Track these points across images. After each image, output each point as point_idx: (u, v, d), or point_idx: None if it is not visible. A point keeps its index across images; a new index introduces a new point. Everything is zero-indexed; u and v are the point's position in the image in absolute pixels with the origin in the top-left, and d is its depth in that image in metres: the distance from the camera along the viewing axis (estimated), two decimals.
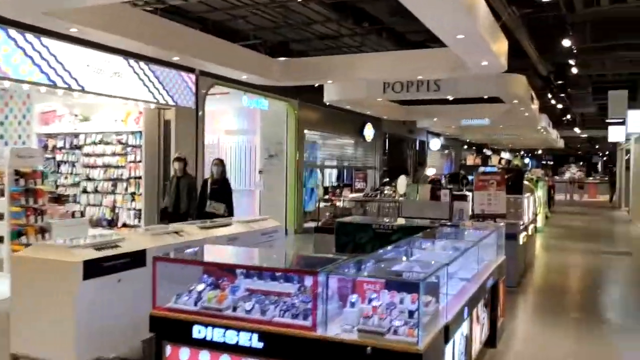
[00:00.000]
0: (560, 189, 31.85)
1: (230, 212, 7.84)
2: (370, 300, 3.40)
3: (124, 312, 4.30)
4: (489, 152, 47.57)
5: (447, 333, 3.42)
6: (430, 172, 11.65)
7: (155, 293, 3.60)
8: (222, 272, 3.87)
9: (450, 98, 14.79)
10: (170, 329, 3.50)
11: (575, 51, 10.59)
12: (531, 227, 10.50)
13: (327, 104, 13.93)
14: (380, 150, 21.24)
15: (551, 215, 20.10)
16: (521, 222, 8.81)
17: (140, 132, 10.37)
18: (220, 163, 8.42)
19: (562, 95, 14.38)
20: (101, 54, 8.69)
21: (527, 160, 57.66)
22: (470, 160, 14.96)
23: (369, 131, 19.23)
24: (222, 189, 8.05)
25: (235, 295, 3.63)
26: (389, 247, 4.42)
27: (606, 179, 27.31)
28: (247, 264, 4.06)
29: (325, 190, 17.71)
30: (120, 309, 4.31)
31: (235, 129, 15.32)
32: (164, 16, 8.97)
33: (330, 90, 10.83)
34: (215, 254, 4.49)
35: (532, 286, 8.63)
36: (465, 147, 35.03)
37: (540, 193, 15.80)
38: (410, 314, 3.20)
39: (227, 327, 3.35)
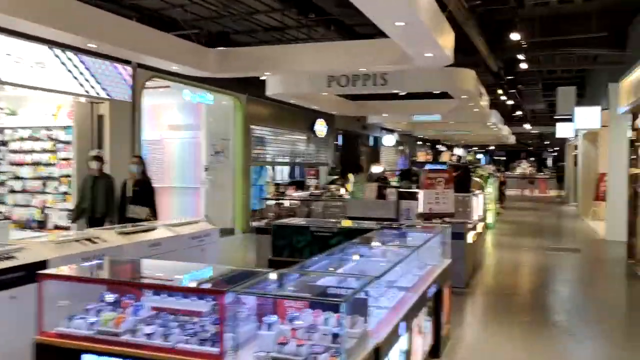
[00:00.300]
0: (512, 184, 32.31)
1: (154, 216, 7.14)
2: (291, 321, 2.98)
3: (17, 336, 3.75)
4: (443, 148, 48.06)
5: (377, 355, 3.03)
6: (376, 169, 11.34)
7: (40, 315, 3.08)
8: (126, 288, 3.37)
9: (402, 93, 14.56)
10: (57, 358, 2.99)
11: (524, 46, 10.45)
12: (481, 224, 10.32)
13: (277, 98, 13.44)
14: (333, 146, 20.89)
15: (502, 211, 20.20)
16: (470, 221, 8.57)
17: (71, 127, 9.68)
18: (139, 161, 7.63)
19: (513, 91, 14.33)
20: (22, 42, 7.99)
21: (480, 156, 58.57)
22: (422, 156, 14.76)
23: (320, 127, 18.85)
24: (144, 191, 7.29)
25: (138, 316, 3.15)
26: (320, 256, 4.00)
27: (560, 174, 27.76)
28: (144, 279, 3.56)
29: (277, 187, 17.27)
30: (13, 332, 3.75)
31: (180, 125, 14.68)
32: (97, 5, 8.33)
33: (273, 83, 10.33)
34: (119, 266, 3.98)
35: (482, 287, 8.40)
36: (420, 143, 35.18)
37: (491, 189, 15.75)
38: (335, 337, 2.79)
39: (122, 356, 2.87)
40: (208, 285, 3.12)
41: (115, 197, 7.31)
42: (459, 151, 51.84)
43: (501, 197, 23.99)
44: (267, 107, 15.13)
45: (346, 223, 7.40)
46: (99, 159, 7.54)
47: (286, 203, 9.32)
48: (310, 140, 19.54)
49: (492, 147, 54.48)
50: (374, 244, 4.81)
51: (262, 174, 17.35)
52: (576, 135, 20.59)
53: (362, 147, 26.64)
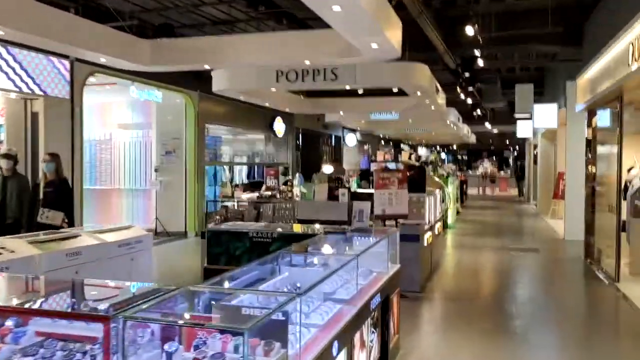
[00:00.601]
0: (473, 183, 32.47)
1: (70, 222, 6.28)
2: (196, 348, 2.54)
3: None
4: (406, 148, 48.17)
5: None
6: (327, 169, 10.92)
7: None
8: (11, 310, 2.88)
9: (360, 91, 14.24)
10: None
11: (481, 42, 10.23)
12: (438, 225, 10.05)
13: (227, 95, 12.94)
14: (293, 146, 20.46)
15: (463, 210, 20.12)
16: (425, 222, 8.25)
17: (1, 125, 9.01)
18: (53, 159, 6.58)
19: (471, 88, 14.17)
20: None
21: (443, 156, 58.99)
22: (381, 156, 14.52)
23: (279, 125, 18.39)
24: (58, 193, 6.32)
25: (18, 344, 2.66)
26: (250, 265, 3.57)
27: (520, 173, 27.89)
28: (25, 300, 3.06)
29: (236, 188, 16.76)
30: None
31: (129, 123, 14.05)
32: None
33: (219, 78, 9.80)
34: (9, 282, 3.46)
35: (439, 291, 8.09)
36: (382, 142, 35.03)
37: (451, 189, 15.59)
38: None
39: None
40: (93, 308, 2.65)
41: (29, 199, 6.49)
42: (422, 151, 52.14)
43: (462, 196, 24.00)
44: (222, 105, 14.59)
45: (296, 227, 7.01)
46: (9, 157, 6.70)
47: (233, 205, 8.85)
48: (270, 140, 19.07)
49: (454, 147, 54.92)
50: (312, 251, 4.40)
51: (218, 175, 16.86)
52: (535, 134, 20.66)
53: (324, 146, 26.34)
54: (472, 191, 31.15)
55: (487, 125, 25.04)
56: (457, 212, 18.59)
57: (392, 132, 22.03)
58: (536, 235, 14.34)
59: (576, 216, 12.97)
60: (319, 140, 25.35)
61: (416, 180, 7.95)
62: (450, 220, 15.16)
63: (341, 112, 14.38)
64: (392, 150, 22.10)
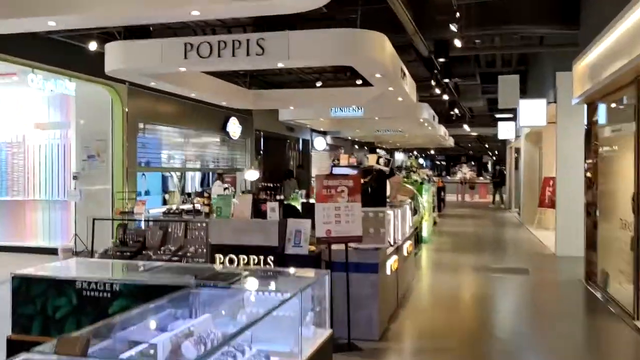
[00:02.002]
0: (452, 189, 30.77)
1: None
2: None
3: None
4: (382, 152, 46.36)
5: None
6: (250, 175, 8.94)
7: None
8: None
9: (318, 83, 12.27)
10: None
11: (458, 22, 8.35)
12: (408, 244, 8.10)
13: (140, 83, 10.85)
14: (252, 150, 18.41)
15: (440, 220, 18.26)
16: (388, 244, 6.30)
17: None
18: None
19: (447, 81, 12.35)
20: None
21: (421, 161, 57.38)
22: (344, 159, 12.62)
23: (234, 127, 16.35)
24: None
25: None
26: None
27: (498, 179, 26.16)
28: None
29: (189, 196, 14.71)
30: None
31: (46, 123, 11.90)
32: None
33: (112, 57, 7.51)
34: None
35: (405, 336, 6.13)
36: (357, 147, 33.13)
37: (427, 197, 13.70)
38: None
39: None
40: None
41: None
42: (399, 156, 50.43)
43: (440, 204, 22.18)
44: (161, 102, 12.51)
45: (156, 276, 4.85)
46: None
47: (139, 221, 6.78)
48: (226, 143, 17.03)
49: (432, 152, 53.36)
50: (162, 324, 2.38)
51: (165, 183, 14.77)
52: (518, 137, 18.94)
53: (290, 151, 24.34)
54: (450, 198, 29.41)
55: (466, 127, 23.30)
56: (434, 223, 16.74)
57: (362, 133, 20.12)
58: (523, 250, 12.49)
59: (569, 228, 11.17)
60: (284, 144, 23.37)
61: (375, 189, 5.98)
62: (425, 233, 13.27)
63: (291, 107, 12.28)
64: (367, 154, 20.15)
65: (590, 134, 8.83)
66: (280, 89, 11.86)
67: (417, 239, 12.80)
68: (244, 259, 5.39)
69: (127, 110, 11.38)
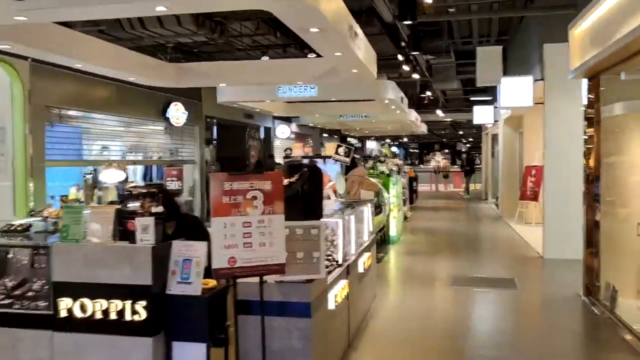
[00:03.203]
0: (425, 179, 29.23)
1: None
2: None
3: None
4: (354, 141, 44.56)
5: None
6: (110, 177, 6.95)
7: None
8: None
9: (265, 58, 10.29)
10: None
11: None
12: (366, 257, 6.32)
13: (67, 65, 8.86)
14: (202, 139, 16.41)
15: (412, 214, 16.58)
16: (326, 274, 4.48)
17: None
18: None
19: (416, 54, 10.60)
20: None
21: (395, 149, 55.80)
22: (297, 148, 10.75)
23: (177, 113, 14.31)
24: None
25: None
26: None
27: (468, 168, 24.60)
28: None
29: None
30: None
31: None
32: None
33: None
34: None
35: None
36: (325, 135, 31.24)
37: (395, 191, 11.94)
38: None
39: None
40: None
41: None
42: (371, 144, 48.74)
43: (412, 196, 20.53)
44: (77, 82, 10.42)
45: None
46: None
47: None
48: (170, 132, 15.00)
49: (405, 140, 51.87)
50: None
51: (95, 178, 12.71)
52: (496, 121, 17.32)
53: (250, 140, 22.38)
54: (423, 188, 27.85)
55: (439, 112, 21.62)
56: (405, 218, 15.05)
57: (323, 119, 18.27)
58: (505, 251, 10.82)
59: (559, 227, 9.57)
60: (243, 133, 21.38)
61: (305, 195, 4.11)
62: (394, 232, 11.54)
63: (222, 84, 10.19)
64: (310, 142, 18.24)
65: (592, 114, 7.12)
66: (207, 62, 9.84)
67: (383, 239, 11.08)
68: (101, 306, 3.51)
69: (29, 92, 9.30)
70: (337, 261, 5.12)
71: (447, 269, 9.24)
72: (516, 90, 9.89)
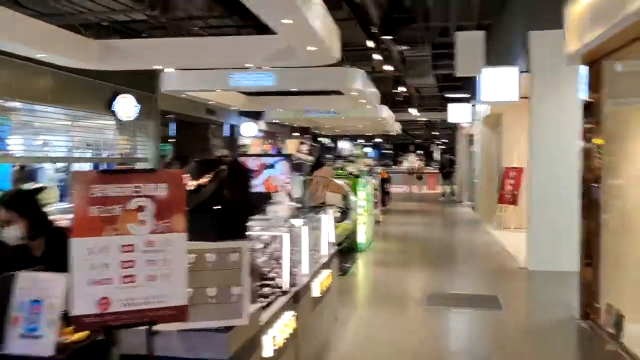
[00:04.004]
0: (398, 180, 28.23)
1: None
2: None
3: None
4: (326, 141, 43.45)
5: None
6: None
7: None
8: None
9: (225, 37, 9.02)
10: None
11: None
12: (324, 276, 5.16)
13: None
14: (158, 136, 15.07)
15: (384, 218, 15.48)
16: (265, 307, 3.31)
17: None
18: None
19: (387, 38, 9.51)
20: None
21: (368, 150, 54.81)
22: (256, 145, 9.57)
23: (125, 106, 12.95)
24: None
25: None
26: None
27: (447, 170, 23.61)
28: None
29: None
30: None
31: None
32: None
33: None
34: None
35: None
36: (296, 134, 29.99)
37: (365, 193, 10.79)
38: None
39: None
40: None
41: None
42: (344, 144, 47.65)
43: (384, 198, 19.47)
44: (7, 68, 9.04)
45: None
46: None
47: None
48: (121, 127, 13.64)
49: (379, 140, 50.98)
50: None
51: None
52: (474, 120, 16.35)
53: (214, 138, 21.03)
54: (397, 189, 26.83)
55: (413, 111, 20.61)
56: (376, 222, 13.94)
57: (288, 115, 17.01)
58: (486, 262, 9.76)
59: (546, 235, 8.56)
60: (206, 130, 20.02)
61: (223, 203, 2.89)
62: (362, 239, 10.41)
63: (158, 66, 8.75)
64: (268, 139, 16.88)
65: (592, 107, 6.07)
66: (139, 39, 8.47)
67: (352, 247, 9.95)
68: None
69: None
70: (280, 287, 3.96)
71: (421, 283, 8.14)
72: (499, 83, 8.84)
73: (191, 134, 18.65)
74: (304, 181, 9.29)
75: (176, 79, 9.26)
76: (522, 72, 9.03)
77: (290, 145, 8.40)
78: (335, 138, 42.48)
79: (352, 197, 9.05)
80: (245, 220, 2.71)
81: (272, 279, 4.04)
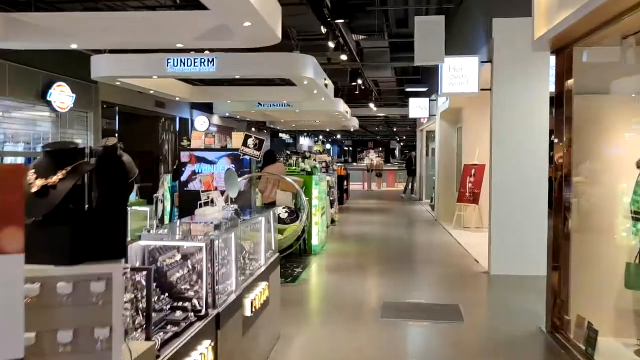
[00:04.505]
0: (357, 177, 27.76)
1: None
2: None
3: None
4: (286, 137, 42.62)
5: None
6: None
7: None
8: None
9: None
10: None
11: None
12: (257, 292, 4.42)
13: None
14: (99, 129, 14.05)
15: (341, 217, 14.86)
16: (175, 336, 2.55)
17: None
18: None
19: (340, 22, 8.81)
20: None
21: (328, 146, 54.27)
22: (197, 138, 8.81)
23: (61, 96, 11.95)
24: None
25: None
26: None
27: (410, 167, 23.11)
28: None
29: None
30: None
31: None
32: None
33: None
34: None
35: None
36: (253, 129, 29.07)
37: (318, 191, 10.09)
38: None
39: None
40: None
41: None
42: (305, 141, 46.94)
43: (342, 195, 18.85)
44: None
45: None
46: None
47: None
48: (56, 118, 12.57)
49: (339, 136, 50.53)
50: None
51: None
52: (432, 116, 15.85)
53: (165, 134, 19.98)
54: (356, 186, 26.34)
55: (372, 106, 20.02)
56: (332, 221, 13.29)
57: (239, 107, 16.05)
58: (445, 265, 9.19)
59: (509, 237, 8.05)
60: (155, 124, 18.97)
61: (84, 210, 2.15)
62: (316, 241, 9.72)
63: (73, 45, 7.71)
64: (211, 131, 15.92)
65: (561, 98, 5.50)
66: (49, 12, 7.44)
67: (303, 249, 9.27)
68: None
69: None
70: (198, 310, 3.20)
71: (376, 290, 7.49)
72: (460, 73, 8.26)
73: (138, 128, 17.61)
74: (249, 179, 8.52)
75: (107, 64, 8.29)
76: (482, 62, 8.49)
77: (236, 139, 7.68)
78: (294, 134, 41.73)
79: (303, 197, 8.32)
80: (123, 233, 1.96)
81: (190, 299, 3.29)
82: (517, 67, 7.92)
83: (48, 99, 11.59)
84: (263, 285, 4.55)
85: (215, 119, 22.75)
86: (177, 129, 20.15)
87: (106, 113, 14.60)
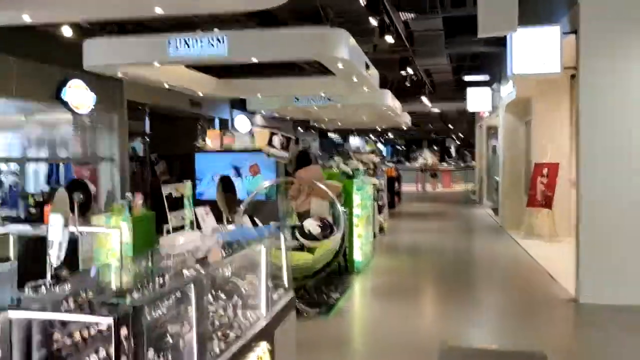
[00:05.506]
0: (409, 178, 25.90)
1: None
2: None
3: None
4: (334, 136, 41.19)
5: None
6: None
7: None
8: None
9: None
10: None
11: None
12: (261, 349, 2.93)
13: None
14: (126, 130, 12.97)
15: (391, 223, 13.19)
16: None
17: None
18: None
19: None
20: None
21: (381, 147, 52.39)
22: (213, 137, 7.47)
23: (79, 96, 10.86)
24: None
25: None
26: None
27: (464, 165, 21.23)
28: None
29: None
30: None
31: None
32: None
33: None
34: None
35: None
36: (300, 129, 27.70)
37: (361, 196, 8.48)
38: None
39: None
40: None
41: None
42: (355, 141, 45.28)
43: (394, 199, 17.21)
44: None
45: None
46: None
47: None
48: (78, 121, 11.60)
49: (391, 135, 48.60)
50: None
51: None
52: (495, 108, 13.99)
53: (203, 134, 18.88)
54: (409, 188, 24.51)
55: (425, 100, 18.27)
56: (381, 230, 11.68)
57: (273, 105, 14.68)
58: (519, 287, 7.45)
59: (604, 256, 6.27)
60: (191, 125, 17.84)
61: None
62: (359, 256, 8.17)
63: (26, 16, 6.39)
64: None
65: None
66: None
67: (341, 268, 7.77)
68: None
69: None
70: None
71: (432, 325, 5.89)
72: (535, 48, 6.54)
73: (174, 130, 16.55)
74: (277, 185, 7.09)
75: (101, 49, 7.05)
76: (564, 33, 6.72)
77: (259, 138, 6.34)
78: (345, 134, 40.17)
79: (339, 207, 6.79)
80: None
81: None
82: (612, 40, 6.15)
83: (64, 99, 10.53)
84: (263, 346, 3.07)
85: (258, 119, 21.49)
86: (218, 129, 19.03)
87: (134, 114, 13.54)
